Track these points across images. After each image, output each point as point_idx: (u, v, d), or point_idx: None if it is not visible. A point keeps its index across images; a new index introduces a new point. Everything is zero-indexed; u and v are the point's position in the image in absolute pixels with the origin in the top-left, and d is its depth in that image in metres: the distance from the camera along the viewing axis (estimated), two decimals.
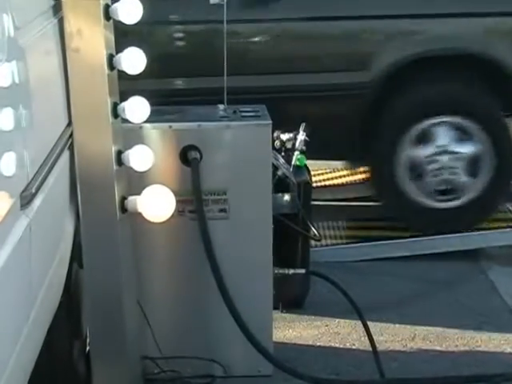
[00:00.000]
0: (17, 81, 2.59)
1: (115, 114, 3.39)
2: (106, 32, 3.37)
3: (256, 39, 5.48)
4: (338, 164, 6.64)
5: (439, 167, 5.35)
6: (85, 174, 3.39)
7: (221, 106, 3.89)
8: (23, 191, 2.58)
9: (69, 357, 3.50)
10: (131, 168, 3.47)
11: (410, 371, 3.89)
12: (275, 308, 4.03)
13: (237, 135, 3.79)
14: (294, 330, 4.31)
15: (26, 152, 2.62)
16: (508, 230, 5.55)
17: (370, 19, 5.39)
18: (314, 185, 5.01)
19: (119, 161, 3.41)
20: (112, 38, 3.44)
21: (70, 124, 3.37)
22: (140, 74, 3.42)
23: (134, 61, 3.44)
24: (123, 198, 3.44)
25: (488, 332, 4.30)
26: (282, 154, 4.43)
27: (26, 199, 2.59)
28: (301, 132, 4.48)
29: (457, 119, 5.35)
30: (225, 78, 3.92)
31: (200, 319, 3.82)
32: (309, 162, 4.61)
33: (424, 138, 5.39)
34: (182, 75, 5.34)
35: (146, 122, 3.59)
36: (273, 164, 4.00)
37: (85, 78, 3.35)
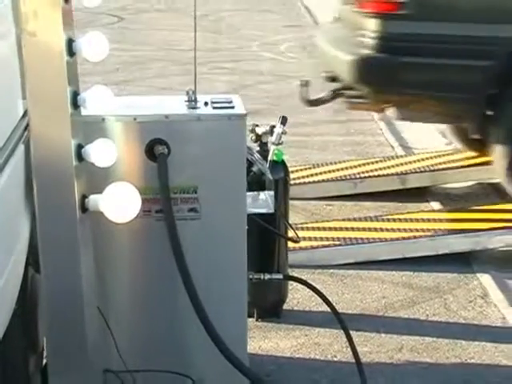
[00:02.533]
0: None
1: (75, 104, 3.37)
2: (64, 14, 3.32)
3: None
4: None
5: None
6: (42, 171, 3.38)
7: (190, 96, 3.88)
8: None
9: (23, 371, 3.49)
10: (92, 164, 3.43)
11: None
12: (250, 316, 4.07)
13: (208, 128, 3.78)
14: (270, 340, 4.34)
15: None
16: (503, 231, 5.54)
17: None
18: (293, 182, 5.01)
19: (79, 156, 3.39)
20: (72, 21, 3.41)
21: (25, 115, 3.37)
22: None
23: (96, 47, 3.42)
24: (84, 197, 3.42)
25: (481, 342, 4.37)
26: (258, 148, 4.46)
27: None
28: (278, 124, 4.50)
29: None
30: (195, 64, 3.89)
31: (168, 329, 3.83)
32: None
33: None
34: None
35: (108, 113, 3.60)
36: (247, 159, 3.99)
37: (42, 65, 3.33)
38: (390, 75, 6.05)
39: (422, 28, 5.77)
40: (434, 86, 5.98)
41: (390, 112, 6.61)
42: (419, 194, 6.43)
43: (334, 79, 6.80)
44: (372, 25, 5.98)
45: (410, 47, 5.76)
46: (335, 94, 6.83)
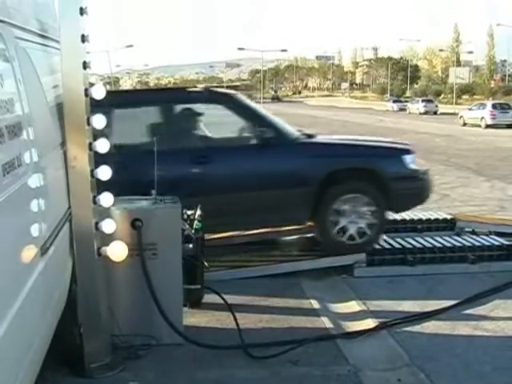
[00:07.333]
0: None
1: (95, 202, 3.39)
2: (89, 157, 3.31)
3: None
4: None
5: None
6: (78, 234, 3.37)
7: (154, 197, 3.88)
8: (43, 245, 2.61)
9: (71, 332, 3.45)
10: (104, 232, 3.42)
11: (259, 339, 3.89)
12: (184, 306, 3.99)
13: (162, 212, 3.81)
14: (195, 318, 4.26)
15: (43, 224, 2.66)
16: (308, 261, 5.45)
17: None
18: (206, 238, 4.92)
19: (96, 227, 3.40)
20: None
21: (70, 207, 3.34)
22: None
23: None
24: (99, 248, 3.44)
25: (300, 316, 4.39)
26: (188, 222, 4.38)
27: (43, 249, 2.61)
28: (198, 209, 4.47)
29: None
30: (155, 181, 3.84)
31: (144, 312, 3.75)
32: None
33: None
34: None
35: (112, 206, 3.57)
36: (182, 228, 4.03)
37: (79, 181, 3.31)
38: None
39: None
40: None
41: None
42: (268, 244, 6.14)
43: None
44: None
45: None
46: None
